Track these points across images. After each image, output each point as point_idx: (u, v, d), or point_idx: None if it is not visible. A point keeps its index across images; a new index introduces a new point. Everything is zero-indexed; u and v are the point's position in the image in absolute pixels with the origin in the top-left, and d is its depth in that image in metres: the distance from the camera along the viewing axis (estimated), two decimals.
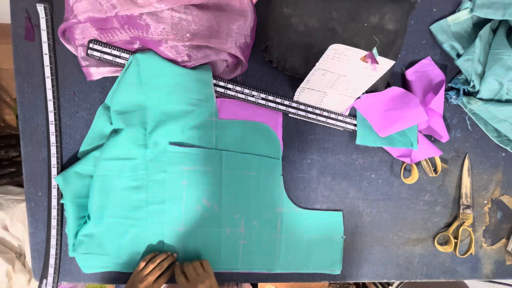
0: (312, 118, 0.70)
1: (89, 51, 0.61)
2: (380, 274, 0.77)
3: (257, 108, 0.69)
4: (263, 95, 0.67)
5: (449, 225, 0.78)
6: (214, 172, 0.68)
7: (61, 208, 0.68)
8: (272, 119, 0.70)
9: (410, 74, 0.72)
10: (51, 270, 0.68)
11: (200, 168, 0.68)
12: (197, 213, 0.69)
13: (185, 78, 0.63)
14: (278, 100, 0.68)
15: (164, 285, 0.69)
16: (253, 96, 0.67)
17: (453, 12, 0.72)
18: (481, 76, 0.70)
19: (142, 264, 0.65)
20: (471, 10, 0.69)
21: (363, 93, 0.67)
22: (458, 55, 0.72)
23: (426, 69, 0.72)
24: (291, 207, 0.72)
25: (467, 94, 0.74)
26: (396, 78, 0.73)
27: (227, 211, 0.70)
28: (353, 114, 0.71)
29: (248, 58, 0.67)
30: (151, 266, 0.64)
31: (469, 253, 0.77)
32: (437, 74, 0.72)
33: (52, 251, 0.68)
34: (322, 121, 0.70)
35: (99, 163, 0.65)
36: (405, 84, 0.73)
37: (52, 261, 0.68)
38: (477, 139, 0.77)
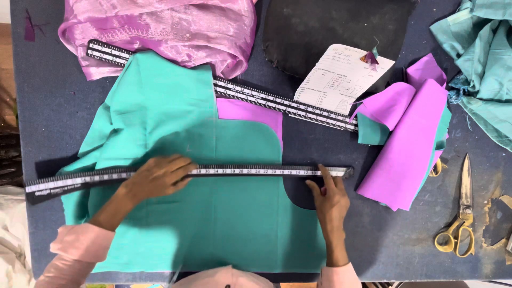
0: (312, 118, 0.70)
1: (89, 51, 0.61)
2: (380, 274, 0.77)
3: (257, 108, 0.69)
4: (263, 95, 0.67)
5: (449, 225, 0.78)
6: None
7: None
8: (272, 119, 0.70)
9: (411, 71, 0.72)
10: None
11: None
12: (196, 213, 0.69)
13: (185, 78, 0.63)
14: (278, 100, 0.68)
15: None
16: (253, 96, 0.67)
17: (453, 12, 0.72)
18: (481, 76, 0.70)
19: (152, 162, 0.60)
20: (471, 10, 0.69)
21: (362, 98, 0.68)
22: (458, 55, 0.72)
23: (427, 67, 0.72)
24: (291, 207, 0.72)
25: (467, 94, 0.74)
26: (396, 78, 0.73)
27: (227, 211, 0.70)
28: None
29: (248, 58, 0.67)
30: (174, 156, 0.61)
31: (469, 253, 0.77)
32: (438, 72, 0.72)
33: None
34: (322, 121, 0.70)
35: (99, 163, 0.64)
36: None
37: None
38: (477, 139, 0.77)
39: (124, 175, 0.64)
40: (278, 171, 0.69)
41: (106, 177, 0.63)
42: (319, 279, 0.63)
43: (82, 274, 0.52)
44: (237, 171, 0.67)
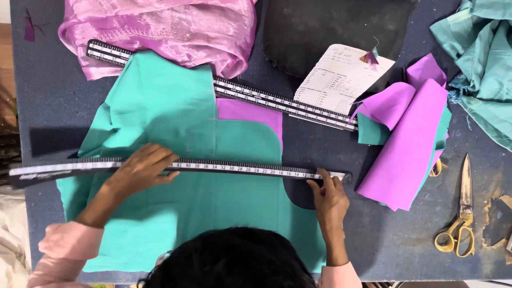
0: (312, 118, 0.70)
1: (89, 51, 0.61)
2: (380, 274, 0.77)
3: (257, 108, 0.69)
4: (263, 95, 0.67)
5: (449, 225, 0.78)
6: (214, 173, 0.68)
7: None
8: (272, 119, 0.70)
9: (411, 71, 0.72)
10: None
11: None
12: (196, 213, 0.69)
13: (185, 78, 0.63)
14: (278, 100, 0.68)
15: None
16: (253, 96, 0.67)
17: (453, 12, 0.72)
18: (481, 76, 0.70)
19: (133, 157, 0.59)
20: (471, 10, 0.69)
21: (362, 98, 0.68)
22: (458, 55, 0.72)
23: (427, 67, 0.72)
24: (291, 207, 0.72)
25: (467, 94, 0.74)
26: (396, 78, 0.73)
27: (227, 211, 0.70)
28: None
29: (248, 58, 0.67)
30: (154, 148, 0.60)
31: (469, 253, 0.77)
32: (438, 72, 0.72)
33: None
34: (322, 121, 0.70)
35: None
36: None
37: None
38: (477, 139, 0.77)
39: (119, 164, 0.61)
40: (277, 172, 0.69)
41: (99, 164, 0.60)
42: (319, 278, 0.64)
43: (71, 271, 0.52)
44: (236, 168, 0.67)
